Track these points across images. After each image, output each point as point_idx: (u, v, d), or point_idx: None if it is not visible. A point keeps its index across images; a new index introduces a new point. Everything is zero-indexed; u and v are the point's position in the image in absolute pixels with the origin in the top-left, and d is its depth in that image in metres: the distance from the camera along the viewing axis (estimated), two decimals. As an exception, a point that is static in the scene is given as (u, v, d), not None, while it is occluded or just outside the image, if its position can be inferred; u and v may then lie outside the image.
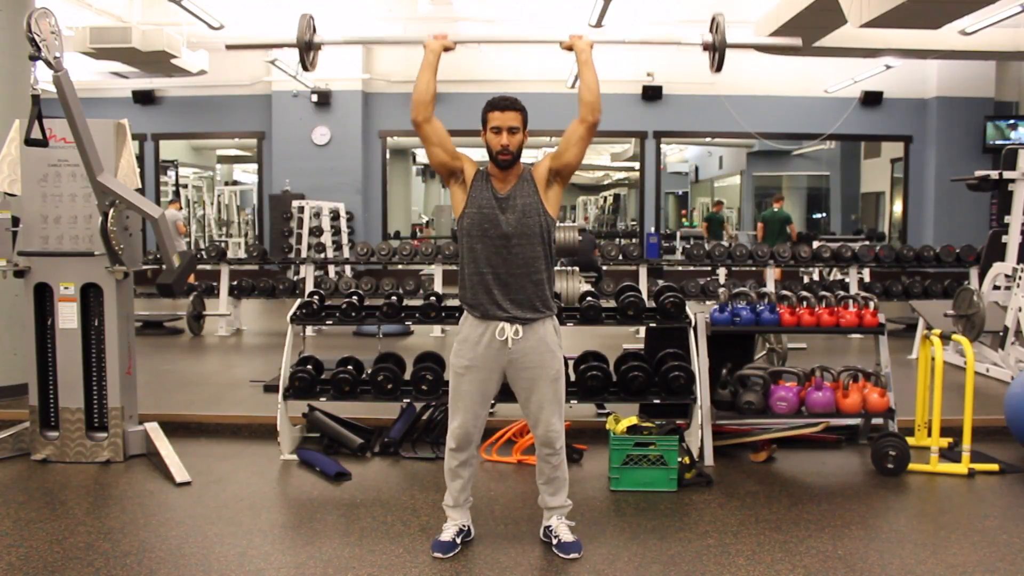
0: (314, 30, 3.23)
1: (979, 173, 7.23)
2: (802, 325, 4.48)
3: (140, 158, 12.75)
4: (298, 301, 4.64)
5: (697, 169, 23.34)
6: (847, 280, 8.40)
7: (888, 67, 11.61)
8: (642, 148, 13.36)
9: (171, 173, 16.03)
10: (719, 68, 3.27)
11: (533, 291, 3.00)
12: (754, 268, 8.60)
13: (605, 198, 27.88)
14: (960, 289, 5.35)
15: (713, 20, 3.24)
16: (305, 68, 3.35)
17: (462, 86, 13.02)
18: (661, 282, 6.55)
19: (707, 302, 7.75)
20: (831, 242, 9.40)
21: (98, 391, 4.21)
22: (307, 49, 3.22)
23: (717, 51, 3.17)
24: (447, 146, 3.00)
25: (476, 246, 3.00)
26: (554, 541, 3.09)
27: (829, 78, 12.43)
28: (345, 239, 11.19)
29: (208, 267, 8.99)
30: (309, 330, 7.27)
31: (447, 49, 3.04)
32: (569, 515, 3.18)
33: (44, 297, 4.18)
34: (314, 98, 12.56)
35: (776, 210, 12.43)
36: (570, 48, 3.06)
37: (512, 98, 3.00)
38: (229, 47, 3.55)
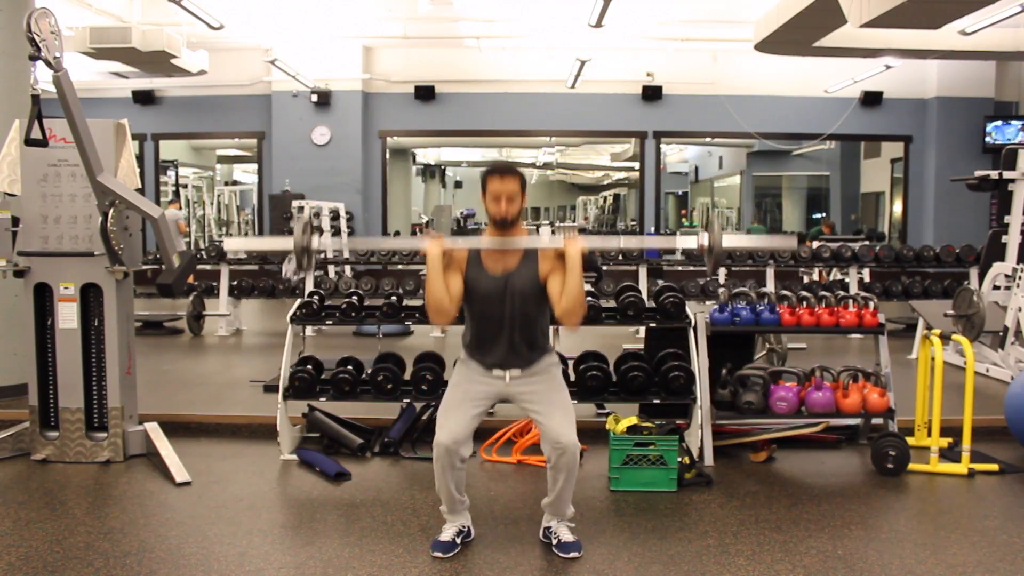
0: (312, 231, 3.25)
1: (979, 173, 7.23)
2: (802, 325, 4.48)
3: (140, 158, 12.75)
4: (298, 301, 4.64)
5: (697, 169, 23.35)
6: (847, 280, 8.40)
7: (888, 67, 11.61)
8: (642, 148, 13.36)
9: (171, 173, 16.03)
10: (715, 271, 3.36)
11: (531, 344, 3.07)
12: (754, 268, 8.60)
13: (605, 198, 27.89)
14: (960, 289, 5.35)
15: (710, 224, 3.27)
16: (301, 267, 3.37)
17: (462, 86, 13.06)
18: (661, 282, 6.55)
19: (707, 302, 7.75)
20: (831, 242, 9.40)
21: (98, 391, 4.21)
22: (303, 253, 3.26)
23: (714, 252, 3.22)
24: (460, 292, 3.05)
25: (477, 322, 3.08)
26: (554, 541, 3.09)
27: (829, 78, 12.43)
28: (345, 239, 11.18)
29: (208, 267, 8.98)
30: (309, 330, 7.27)
31: (446, 252, 3.02)
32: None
33: (44, 297, 4.18)
34: (314, 98, 12.56)
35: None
36: (562, 254, 3.01)
37: (511, 166, 3.05)
38: (227, 249, 3.53)
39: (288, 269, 8.57)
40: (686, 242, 3.53)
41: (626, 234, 19.16)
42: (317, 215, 10.55)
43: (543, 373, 3.09)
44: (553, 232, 5.39)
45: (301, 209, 10.06)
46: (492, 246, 3.03)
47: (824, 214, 19.72)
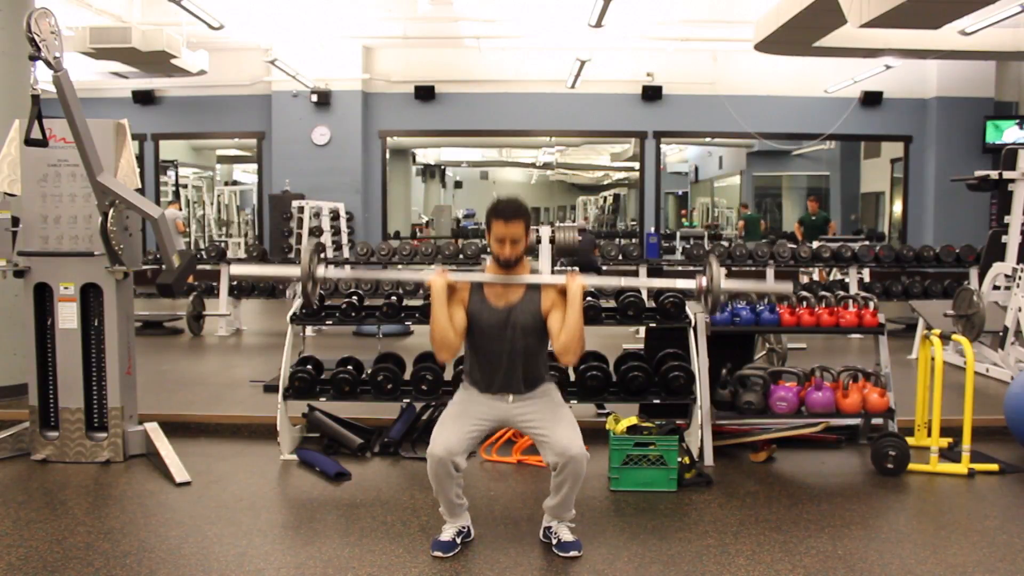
0: (319, 261, 3.27)
1: (979, 173, 7.23)
2: (802, 325, 4.48)
3: (140, 158, 12.75)
4: (298, 301, 4.64)
5: (697, 169, 23.36)
6: (847, 280, 8.39)
7: (888, 67, 11.61)
8: (642, 148, 13.37)
9: (171, 173, 16.03)
10: (713, 311, 3.34)
11: (531, 376, 3.11)
12: (754, 268, 8.60)
13: (605, 198, 27.88)
14: (960, 289, 5.34)
15: (707, 265, 3.28)
16: (308, 303, 3.36)
17: (463, 86, 13.06)
18: (661, 282, 6.53)
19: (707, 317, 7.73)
20: (831, 242, 9.40)
21: (98, 391, 4.21)
22: (308, 281, 3.27)
23: (712, 294, 3.24)
24: (464, 325, 3.06)
25: (478, 354, 3.10)
26: (554, 541, 3.09)
27: (829, 78, 12.43)
28: (345, 239, 11.18)
29: (208, 267, 8.98)
30: (309, 330, 7.26)
31: (451, 286, 3.06)
32: (569, 516, 3.19)
33: (44, 297, 4.18)
34: (314, 98, 12.56)
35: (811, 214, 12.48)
36: (563, 291, 3.05)
37: (516, 205, 3.02)
38: (234, 276, 3.51)
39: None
40: (685, 284, 3.63)
41: (626, 234, 19.16)
42: (317, 215, 10.55)
43: (542, 396, 3.13)
44: (553, 232, 5.38)
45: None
46: (495, 281, 3.05)
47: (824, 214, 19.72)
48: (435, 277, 3.00)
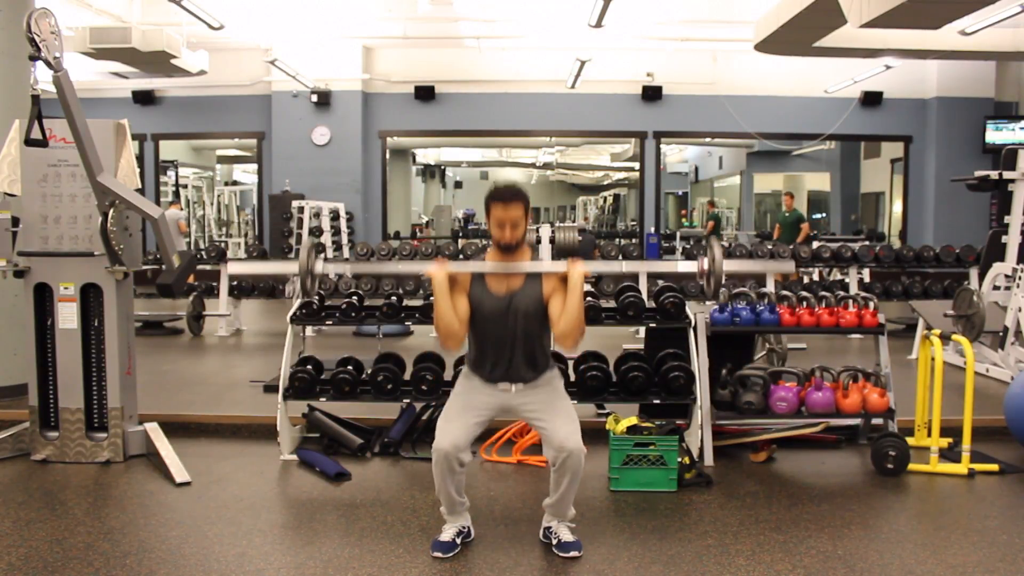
0: (316, 255, 3.29)
1: (979, 173, 7.23)
2: (802, 325, 4.48)
3: (140, 158, 12.75)
4: (298, 301, 4.64)
5: (697, 169, 23.37)
6: (847, 280, 8.39)
7: (888, 67, 11.62)
8: (642, 148, 13.37)
9: (171, 173, 16.03)
10: (715, 294, 3.33)
11: (533, 362, 3.09)
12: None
13: (605, 198, 27.90)
14: (960, 289, 5.34)
15: (708, 247, 3.26)
16: (306, 293, 3.37)
17: (462, 86, 13.06)
18: (661, 282, 6.54)
19: (707, 302, 7.74)
20: (831, 242, 9.40)
21: (98, 391, 4.21)
22: (307, 276, 3.29)
23: (714, 276, 3.23)
24: (467, 313, 3.07)
25: (481, 340, 3.11)
26: (554, 541, 3.09)
27: (829, 78, 12.44)
28: (345, 239, 11.19)
29: (208, 267, 8.98)
30: (309, 330, 7.26)
31: (452, 277, 3.05)
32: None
33: (44, 297, 4.18)
34: (314, 98, 12.57)
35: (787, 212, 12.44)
36: (564, 277, 3.04)
37: (515, 189, 3.02)
38: (233, 276, 3.51)
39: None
40: (686, 266, 3.60)
41: (626, 234, 19.17)
42: (317, 215, 10.56)
43: (545, 385, 3.12)
44: (553, 232, 5.38)
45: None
46: (495, 270, 3.04)
47: (824, 214, 19.74)
48: (436, 269, 3.00)
